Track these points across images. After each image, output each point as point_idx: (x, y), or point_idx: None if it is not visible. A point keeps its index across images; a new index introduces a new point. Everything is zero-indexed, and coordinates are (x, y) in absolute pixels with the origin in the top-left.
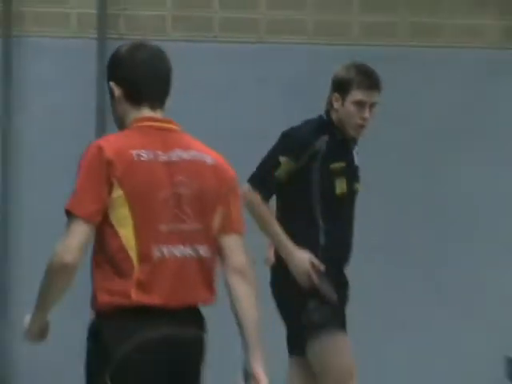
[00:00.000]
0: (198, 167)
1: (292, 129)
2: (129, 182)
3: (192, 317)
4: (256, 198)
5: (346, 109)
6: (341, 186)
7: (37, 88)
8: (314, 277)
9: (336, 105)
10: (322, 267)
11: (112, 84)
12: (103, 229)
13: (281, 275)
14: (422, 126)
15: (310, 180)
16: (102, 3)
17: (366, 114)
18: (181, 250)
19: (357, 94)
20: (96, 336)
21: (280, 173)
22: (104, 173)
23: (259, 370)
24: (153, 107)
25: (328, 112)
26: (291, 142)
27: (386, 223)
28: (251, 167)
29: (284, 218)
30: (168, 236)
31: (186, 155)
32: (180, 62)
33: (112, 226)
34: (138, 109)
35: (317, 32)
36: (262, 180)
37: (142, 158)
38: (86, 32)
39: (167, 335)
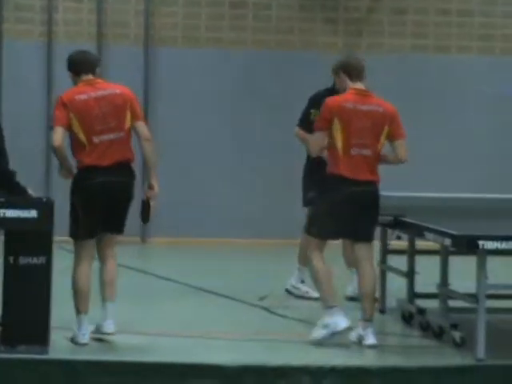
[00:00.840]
0: (111, 96)
1: None
2: (75, 109)
3: (121, 169)
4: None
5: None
6: None
7: None
8: None
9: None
10: None
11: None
12: (71, 131)
13: None
14: None
15: None
16: None
17: None
18: (108, 136)
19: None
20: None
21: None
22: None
23: (154, 182)
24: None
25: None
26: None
27: None
28: None
29: None
30: (100, 131)
31: (105, 92)
32: None
33: (73, 131)
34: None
35: None
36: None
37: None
38: None
39: (104, 181)
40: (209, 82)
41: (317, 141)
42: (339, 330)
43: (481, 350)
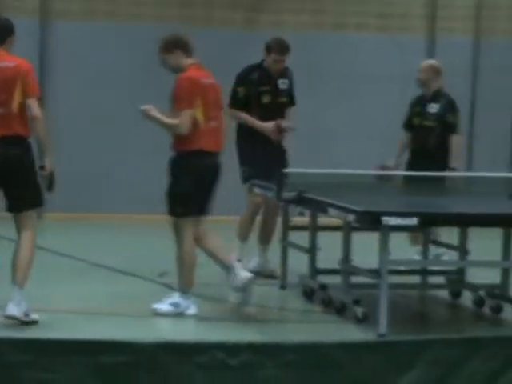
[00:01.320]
0: (3, 70)
1: None
2: None
3: (6, 144)
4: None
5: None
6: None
7: None
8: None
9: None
10: None
11: None
12: None
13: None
14: None
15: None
16: None
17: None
18: None
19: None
20: None
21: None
22: None
23: (46, 163)
24: None
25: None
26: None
27: None
28: None
29: None
30: None
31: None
32: None
33: None
34: None
35: None
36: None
37: None
38: None
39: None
40: (106, 56)
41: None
42: (186, 314)
43: (383, 326)
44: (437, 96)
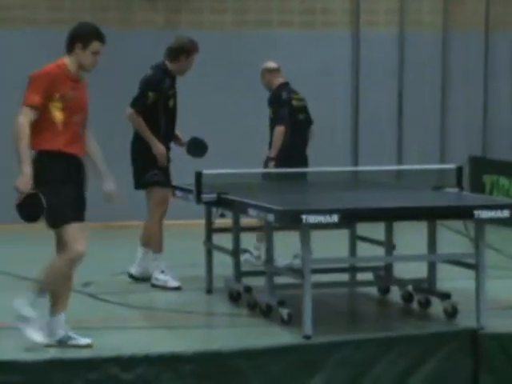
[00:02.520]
0: None
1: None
2: None
3: None
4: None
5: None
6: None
7: None
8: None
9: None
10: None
11: None
12: None
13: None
14: None
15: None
16: None
17: None
18: None
19: None
20: None
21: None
22: None
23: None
24: None
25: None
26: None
27: None
28: None
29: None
30: None
31: None
32: None
33: None
34: None
35: None
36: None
37: None
38: None
39: None
40: (25, 62)
41: None
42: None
43: (308, 327)
44: None
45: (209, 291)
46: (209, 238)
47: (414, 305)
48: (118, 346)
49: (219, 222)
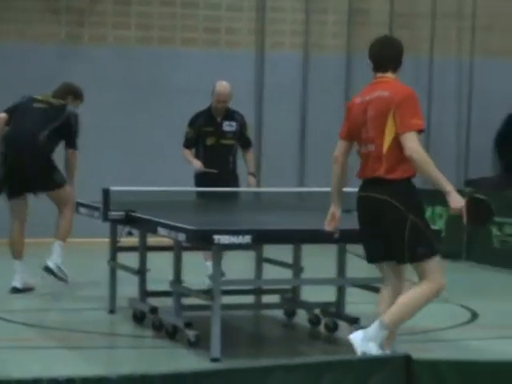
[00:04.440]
0: None
1: None
2: None
3: None
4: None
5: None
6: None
7: None
8: None
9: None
10: None
11: None
12: None
13: None
14: None
15: None
16: None
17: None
18: None
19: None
20: None
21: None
22: None
23: None
24: None
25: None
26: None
27: None
28: None
29: None
30: None
31: None
32: None
33: None
34: None
35: None
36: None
37: None
38: None
39: None
40: None
41: None
42: None
43: (216, 349)
44: None
45: (111, 311)
46: (113, 257)
47: (322, 328)
48: (17, 366)
49: (127, 241)
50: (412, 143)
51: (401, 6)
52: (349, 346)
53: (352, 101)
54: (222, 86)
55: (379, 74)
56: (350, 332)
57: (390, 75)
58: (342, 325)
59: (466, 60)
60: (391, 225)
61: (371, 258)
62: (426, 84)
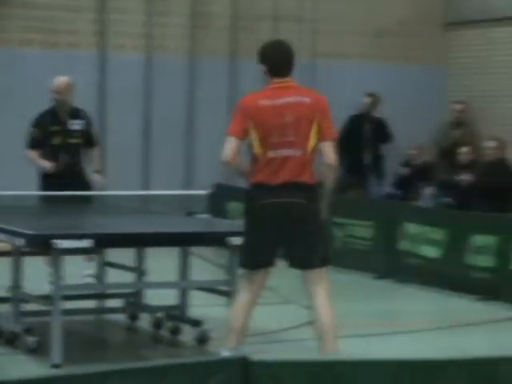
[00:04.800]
0: None
1: None
2: None
3: None
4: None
5: None
6: None
7: None
8: None
9: None
10: None
11: None
12: None
13: None
14: None
15: None
16: None
17: None
18: None
19: None
20: None
21: None
22: None
23: None
24: None
25: None
26: None
27: None
28: None
29: None
30: None
31: None
32: None
33: None
34: None
35: None
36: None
37: None
38: None
39: None
40: None
41: None
42: None
43: (57, 355)
44: None
45: None
46: None
47: (165, 332)
48: None
49: None
50: (332, 151)
51: (243, 9)
52: (192, 349)
53: (252, 102)
54: (59, 79)
55: (278, 79)
56: (193, 334)
57: (290, 79)
58: (185, 328)
59: (307, 62)
60: (314, 230)
61: (259, 264)
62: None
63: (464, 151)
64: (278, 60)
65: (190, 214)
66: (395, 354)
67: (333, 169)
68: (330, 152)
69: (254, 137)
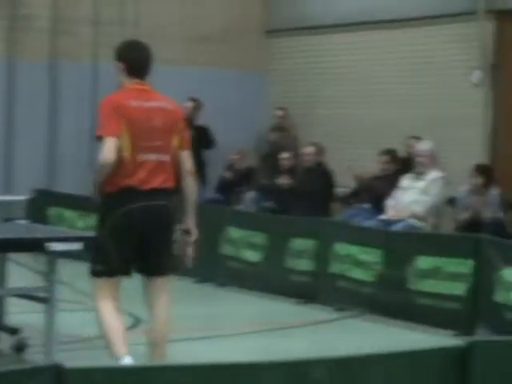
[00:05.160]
0: None
1: None
2: None
3: None
4: None
5: None
6: None
7: None
8: None
9: None
10: None
11: None
12: None
13: None
14: None
15: None
16: None
17: None
18: None
19: None
20: None
21: None
22: None
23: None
24: None
25: None
26: None
27: None
28: None
29: None
30: None
31: None
32: None
33: None
34: None
35: None
36: None
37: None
38: None
39: None
40: None
41: None
42: None
43: None
44: None
45: None
46: None
47: None
48: None
49: None
50: (191, 161)
51: (63, 12)
52: (8, 357)
53: (121, 101)
54: None
55: (137, 80)
56: (10, 342)
57: (147, 83)
58: (3, 336)
59: None
60: (172, 236)
61: (119, 271)
62: (87, 91)
63: (285, 156)
64: (138, 59)
65: (8, 220)
66: (217, 358)
67: (192, 177)
68: (189, 160)
69: (124, 138)
